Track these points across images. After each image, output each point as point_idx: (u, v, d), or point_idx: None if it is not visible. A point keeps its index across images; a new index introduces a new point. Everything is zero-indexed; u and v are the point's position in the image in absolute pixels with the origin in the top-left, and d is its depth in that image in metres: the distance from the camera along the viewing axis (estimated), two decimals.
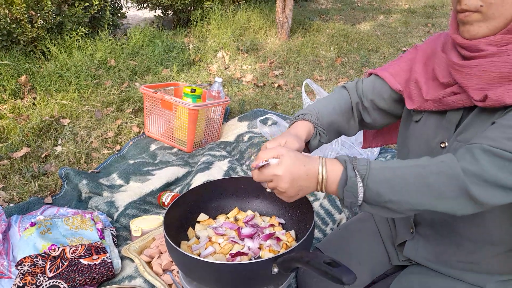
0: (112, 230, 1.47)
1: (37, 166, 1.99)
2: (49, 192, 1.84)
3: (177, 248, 0.79)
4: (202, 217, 1.05)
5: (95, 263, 1.25)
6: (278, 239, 0.96)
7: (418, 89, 0.92)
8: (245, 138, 2.25)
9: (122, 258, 1.36)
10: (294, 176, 0.73)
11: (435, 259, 1.01)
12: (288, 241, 0.96)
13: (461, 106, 0.82)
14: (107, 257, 1.28)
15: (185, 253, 0.77)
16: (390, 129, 1.29)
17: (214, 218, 1.06)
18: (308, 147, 1.02)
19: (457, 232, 0.93)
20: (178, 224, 1.00)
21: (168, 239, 0.82)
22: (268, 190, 0.80)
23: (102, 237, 1.39)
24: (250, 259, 0.92)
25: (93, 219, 1.44)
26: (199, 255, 0.92)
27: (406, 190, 0.71)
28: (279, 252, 0.92)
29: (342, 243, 1.22)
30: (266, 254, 0.91)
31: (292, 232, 0.99)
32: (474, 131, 0.80)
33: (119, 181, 1.90)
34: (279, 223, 1.04)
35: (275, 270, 0.76)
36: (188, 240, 0.99)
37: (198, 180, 1.77)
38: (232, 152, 2.14)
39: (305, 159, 0.75)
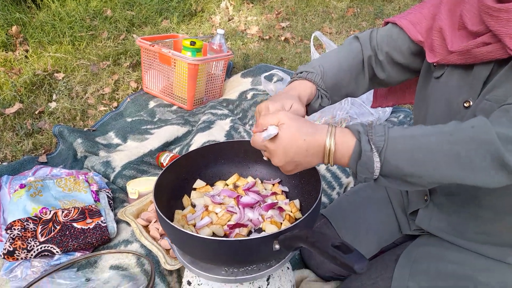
0: (108, 192, 1.40)
1: (31, 123, 1.91)
2: (43, 151, 1.76)
3: (167, 220, 0.71)
4: (199, 183, 0.96)
5: (89, 227, 1.20)
6: (281, 209, 0.88)
7: (441, 39, 0.79)
8: (249, 96, 2.13)
9: (118, 221, 1.30)
10: (289, 152, 0.65)
11: (450, 229, 0.94)
12: (291, 212, 0.88)
13: (492, 59, 0.70)
14: (101, 221, 1.22)
15: (177, 227, 0.69)
16: (405, 87, 1.16)
17: (212, 185, 0.98)
18: (306, 110, 0.91)
19: (477, 201, 0.84)
20: (172, 191, 0.91)
21: (158, 210, 0.74)
22: (265, 158, 0.72)
23: (97, 200, 1.33)
24: (250, 231, 0.84)
25: (87, 181, 1.37)
26: (194, 225, 0.85)
27: (430, 161, 0.61)
28: (281, 223, 0.84)
29: (349, 210, 1.14)
30: (267, 226, 0.83)
31: (297, 202, 0.91)
32: (508, 88, 0.68)
33: (116, 140, 1.81)
34: (282, 192, 0.95)
35: (276, 247, 0.68)
36: (183, 208, 0.91)
37: (198, 140, 1.68)
38: (235, 111, 2.03)
39: (309, 131, 0.65)
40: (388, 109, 1.89)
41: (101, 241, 1.19)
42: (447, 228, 0.94)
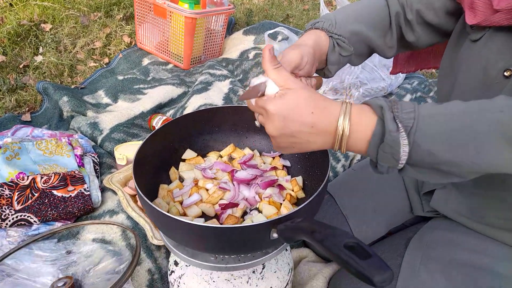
0: (94, 157, 1.29)
1: (14, 78, 1.76)
2: (27, 109, 1.63)
3: (146, 199, 0.60)
4: (189, 154, 0.84)
5: (70, 195, 1.09)
6: (281, 187, 0.76)
7: None
8: (250, 56, 1.96)
9: (104, 189, 1.20)
10: (290, 122, 0.53)
11: (469, 213, 0.84)
12: (293, 191, 0.77)
13: None
14: (84, 189, 1.12)
15: (157, 208, 0.58)
16: (430, 50, 1.02)
17: (204, 156, 0.86)
18: (327, 70, 0.78)
19: (504, 185, 0.73)
20: (158, 161, 0.80)
21: (137, 186, 0.63)
22: (257, 123, 0.60)
23: (81, 165, 1.22)
24: (245, 212, 0.74)
25: (70, 144, 1.26)
26: (181, 203, 0.74)
27: (473, 145, 0.48)
28: (281, 204, 0.73)
29: (356, 187, 1.04)
30: (264, 207, 0.72)
31: (299, 179, 0.79)
32: None
33: (105, 100, 1.68)
34: (284, 166, 0.84)
35: (274, 235, 0.58)
36: (169, 182, 0.80)
37: (194, 103, 1.55)
38: (235, 72, 1.87)
39: (320, 104, 0.53)
40: (401, 75, 1.74)
41: (83, 210, 1.09)
42: (466, 211, 0.84)
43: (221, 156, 0.86)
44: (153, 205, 0.59)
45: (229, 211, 0.71)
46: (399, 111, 0.49)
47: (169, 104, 1.66)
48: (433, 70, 2.03)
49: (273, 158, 0.85)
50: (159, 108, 1.63)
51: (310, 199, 0.60)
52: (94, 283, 0.93)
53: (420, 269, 0.81)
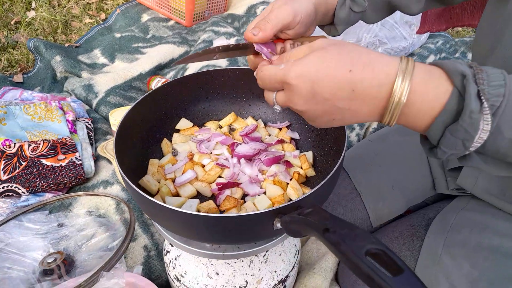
0: (88, 122, 1.20)
1: (5, 36, 1.65)
2: (19, 69, 1.53)
3: (128, 180, 0.50)
4: (184, 123, 0.74)
5: (60, 165, 1.01)
6: (288, 164, 0.66)
7: None
8: (258, 11, 1.81)
9: (98, 158, 1.11)
10: (320, 86, 0.41)
11: (501, 193, 0.75)
12: (302, 168, 0.67)
13: None
14: (76, 158, 1.04)
15: (140, 192, 0.49)
16: (465, 5, 0.87)
17: (201, 126, 0.76)
18: (333, 28, 0.65)
19: None
20: (148, 132, 0.70)
21: (119, 165, 0.53)
22: (277, 107, 0.47)
23: (73, 131, 1.13)
24: (245, 194, 0.64)
25: (61, 108, 1.16)
26: (173, 180, 0.65)
27: None
28: (287, 184, 0.63)
29: (373, 160, 0.94)
30: (269, 188, 0.62)
31: (309, 155, 0.69)
32: None
33: (102, 59, 1.57)
34: (292, 140, 0.73)
35: (278, 225, 0.48)
36: (161, 157, 0.70)
37: (196, 64, 1.42)
38: (241, 29, 1.72)
39: (361, 58, 0.40)
40: (425, 34, 1.57)
41: (75, 181, 1.01)
42: (497, 190, 0.75)
43: (220, 127, 0.75)
44: (134, 187, 0.50)
45: (227, 192, 0.62)
46: (485, 83, 0.36)
47: (170, 65, 1.54)
48: (459, 28, 1.85)
49: (280, 129, 0.75)
50: (158, 70, 1.51)
51: (322, 182, 0.50)
52: (86, 260, 0.87)
53: (442, 254, 0.73)
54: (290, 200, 0.62)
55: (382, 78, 0.39)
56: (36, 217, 0.97)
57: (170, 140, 0.72)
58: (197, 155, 0.67)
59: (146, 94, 0.69)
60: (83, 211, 0.99)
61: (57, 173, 1.00)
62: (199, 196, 0.64)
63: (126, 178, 0.52)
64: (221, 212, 0.59)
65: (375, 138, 0.99)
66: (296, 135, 0.74)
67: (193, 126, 0.75)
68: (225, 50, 0.52)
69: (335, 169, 0.53)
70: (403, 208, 0.90)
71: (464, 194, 0.83)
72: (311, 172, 0.67)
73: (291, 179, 0.64)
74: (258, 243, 0.58)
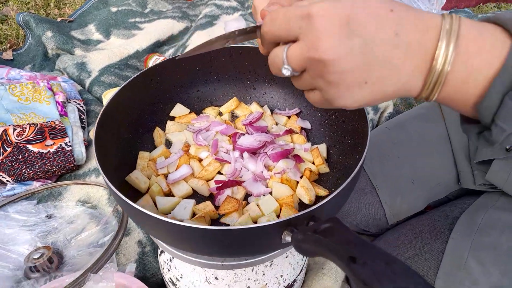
0: (79, 104, 1.11)
1: None
2: (8, 45, 1.43)
3: (110, 183, 0.42)
4: (179, 110, 0.65)
5: (48, 151, 0.93)
6: (298, 158, 0.57)
7: None
8: None
9: (90, 143, 1.03)
10: (357, 24, 0.31)
11: None
12: (314, 164, 0.58)
13: None
14: (66, 143, 0.95)
15: (123, 198, 0.41)
16: None
17: (199, 113, 0.67)
18: None
19: None
20: (137, 119, 0.61)
21: (99, 162, 0.45)
22: (286, 71, 0.34)
23: (63, 114, 1.04)
24: (248, 194, 0.56)
25: (50, 88, 1.07)
26: (166, 177, 0.56)
27: None
28: (297, 183, 0.55)
29: (390, 150, 0.85)
30: (275, 187, 0.54)
31: (322, 148, 0.60)
32: None
33: (96, 35, 1.46)
34: (302, 129, 0.64)
35: (287, 239, 0.40)
36: (152, 148, 0.61)
37: (196, 40, 1.32)
38: (246, 3, 1.60)
39: (401, 2, 0.33)
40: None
41: (64, 169, 0.93)
42: None
43: (220, 114, 0.66)
44: (113, 187, 0.42)
45: (227, 191, 0.53)
46: None
47: (169, 42, 1.44)
48: (481, 4, 1.71)
49: (288, 117, 0.65)
50: (157, 47, 1.41)
51: (342, 187, 0.41)
52: (75, 257, 0.80)
53: (469, 259, 0.66)
54: (300, 201, 0.54)
55: (424, 33, 0.31)
56: (23, 208, 0.90)
57: (164, 129, 0.63)
58: (194, 147, 0.59)
59: (135, 75, 0.60)
60: (74, 201, 0.91)
61: (44, 160, 0.92)
62: (196, 195, 0.56)
63: (104, 175, 0.44)
64: (220, 216, 0.51)
65: (393, 125, 0.90)
66: (307, 124, 0.64)
67: (189, 112, 0.65)
68: (242, 34, 0.41)
69: (356, 169, 0.44)
70: (423, 204, 0.82)
71: (493, 190, 0.74)
72: (324, 169, 0.58)
73: (301, 177, 0.55)
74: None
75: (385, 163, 0.82)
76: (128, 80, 0.58)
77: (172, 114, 0.65)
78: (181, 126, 0.63)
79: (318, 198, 0.54)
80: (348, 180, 0.43)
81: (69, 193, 0.92)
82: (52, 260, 0.78)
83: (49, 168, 0.92)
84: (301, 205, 0.54)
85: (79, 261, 0.79)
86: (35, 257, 0.77)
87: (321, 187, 0.55)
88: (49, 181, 0.94)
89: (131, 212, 0.42)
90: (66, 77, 1.24)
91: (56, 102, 1.05)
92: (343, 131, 0.59)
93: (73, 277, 0.66)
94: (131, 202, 0.41)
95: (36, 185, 0.93)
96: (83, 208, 0.90)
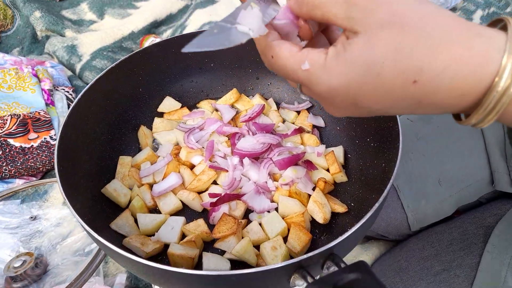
0: (68, 92, 1.01)
1: None
2: None
3: (70, 205, 0.33)
4: (169, 104, 0.55)
5: (31, 145, 0.85)
6: (310, 165, 0.47)
7: None
8: None
9: None
10: (365, 107, 0.31)
11: None
12: (329, 172, 0.48)
13: None
14: (51, 136, 0.87)
15: (96, 236, 0.32)
16: None
17: (192, 108, 0.56)
18: None
19: None
20: (118, 117, 0.51)
21: (57, 171, 0.36)
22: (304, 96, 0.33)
23: (50, 103, 0.95)
24: (250, 209, 0.46)
25: (35, 75, 0.97)
26: (151, 187, 0.47)
27: None
28: (309, 197, 0.45)
29: (415, 146, 0.75)
30: (282, 202, 0.44)
31: (339, 151, 0.50)
32: None
33: (89, 15, 1.35)
34: (314, 127, 0.53)
35: (299, 283, 0.31)
36: (136, 151, 0.52)
37: (196, 20, 1.21)
38: None
39: (435, 49, 0.27)
40: None
41: (50, 165, 0.85)
42: None
43: (216, 110, 0.56)
44: (75, 213, 0.32)
45: (223, 208, 0.43)
46: None
47: (167, 22, 1.32)
48: None
49: (298, 113, 0.55)
50: (154, 27, 1.30)
51: (370, 213, 0.32)
52: (59, 265, 0.72)
53: (508, 277, 0.56)
54: (313, 219, 0.44)
55: (477, 72, 0.27)
56: (6, 208, 0.83)
57: (150, 128, 0.54)
58: (185, 150, 0.49)
59: (115, 63, 0.50)
60: (60, 201, 0.83)
61: (27, 156, 0.83)
62: (186, 211, 0.46)
63: (65, 196, 0.34)
64: (215, 240, 0.42)
65: (417, 118, 0.79)
66: (320, 122, 0.54)
67: (181, 107, 0.55)
68: None
69: (387, 189, 0.34)
70: (451, 209, 0.72)
71: None
72: (341, 178, 0.48)
73: (314, 189, 0.45)
74: None
75: (408, 161, 0.72)
76: (106, 69, 0.48)
77: (160, 109, 0.55)
78: (170, 124, 0.53)
79: (334, 216, 0.45)
80: (377, 204, 0.33)
81: (55, 191, 0.84)
82: (35, 269, 0.70)
83: (32, 164, 0.83)
84: (314, 225, 0.44)
85: (63, 270, 0.71)
86: (15, 265, 0.70)
87: (338, 201, 0.45)
88: (34, 178, 0.86)
89: (104, 248, 0.33)
90: (56, 61, 1.14)
91: (42, 90, 0.96)
92: (364, 131, 0.49)
93: None
94: (100, 238, 0.31)
95: (19, 183, 0.84)
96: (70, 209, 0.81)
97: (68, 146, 0.41)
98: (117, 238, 0.42)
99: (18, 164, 0.82)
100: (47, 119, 0.90)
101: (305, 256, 0.29)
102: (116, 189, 0.45)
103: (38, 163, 0.83)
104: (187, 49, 0.29)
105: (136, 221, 0.44)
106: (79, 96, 0.45)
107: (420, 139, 0.74)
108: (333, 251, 0.31)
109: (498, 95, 0.27)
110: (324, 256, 0.30)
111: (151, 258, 0.41)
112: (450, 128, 0.74)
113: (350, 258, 0.73)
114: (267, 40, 0.33)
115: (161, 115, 0.55)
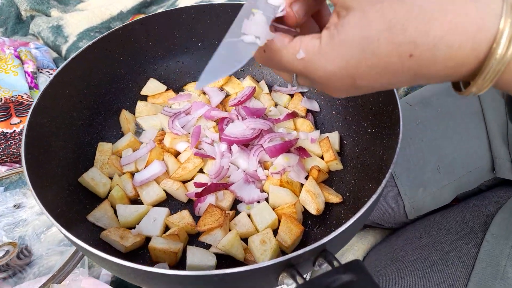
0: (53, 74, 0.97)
1: None
2: None
3: (37, 197, 0.30)
4: (153, 86, 0.51)
5: (14, 130, 0.81)
6: (303, 152, 0.44)
7: None
8: None
9: None
10: (365, 83, 0.30)
11: None
12: (323, 159, 0.45)
13: None
14: None
15: (55, 223, 0.29)
16: None
17: (178, 91, 0.53)
18: None
19: None
20: (97, 100, 0.48)
21: (24, 159, 0.33)
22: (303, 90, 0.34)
23: (33, 86, 0.91)
24: (238, 200, 0.43)
25: (18, 57, 0.93)
26: (132, 176, 0.44)
27: None
28: (301, 186, 0.42)
29: (413, 131, 0.72)
30: (273, 191, 0.41)
31: (334, 137, 0.47)
32: None
33: None
34: (308, 112, 0.50)
35: (288, 282, 0.28)
36: (117, 137, 0.48)
37: None
38: None
39: (429, 16, 0.26)
40: None
41: None
42: None
43: (204, 92, 0.52)
44: (44, 209, 0.29)
45: (210, 198, 0.41)
46: None
47: (157, 1, 1.27)
48: None
49: (291, 96, 0.51)
50: (144, 7, 1.25)
51: (367, 206, 0.29)
52: (43, 256, 0.70)
53: (508, 267, 0.54)
54: (305, 210, 0.41)
55: (473, 39, 0.26)
56: None
57: (133, 112, 0.50)
58: (169, 136, 0.45)
59: (93, 41, 0.46)
60: None
61: (9, 142, 0.80)
62: (170, 201, 0.43)
63: (31, 187, 0.31)
64: (200, 233, 0.39)
65: (416, 101, 0.76)
66: (315, 106, 0.50)
67: (166, 90, 0.52)
68: None
69: (385, 179, 0.31)
70: (450, 197, 0.69)
71: None
72: (336, 165, 0.45)
73: (306, 178, 0.42)
74: None
75: (406, 147, 0.69)
76: (82, 48, 0.45)
77: (143, 92, 0.51)
78: (155, 108, 0.50)
79: (328, 206, 0.42)
80: (375, 196, 0.30)
81: None
82: (18, 259, 0.68)
83: (15, 151, 0.79)
84: (306, 216, 0.41)
85: (47, 262, 0.68)
86: None
87: (332, 190, 0.42)
88: (17, 165, 0.83)
89: (74, 244, 0.30)
90: (41, 43, 1.09)
91: (25, 72, 0.91)
92: (361, 116, 0.45)
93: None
94: (74, 237, 0.28)
95: (1, 170, 0.81)
96: None
97: (40, 132, 0.38)
98: (95, 232, 0.39)
99: (0, 150, 0.79)
100: (30, 102, 0.86)
101: (294, 254, 0.27)
102: (94, 178, 0.42)
103: (21, 149, 0.80)
104: (200, 85, 0.26)
105: (116, 212, 0.41)
106: (51, 77, 0.42)
107: (419, 124, 0.71)
108: (325, 248, 0.28)
109: (497, 62, 0.26)
110: (315, 253, 0.28)
111: (131, 252, 0.38)
112: (450, 113, 0.71)
113: (343, 247, 0.71)
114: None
115: (144, 98, 0.52)
